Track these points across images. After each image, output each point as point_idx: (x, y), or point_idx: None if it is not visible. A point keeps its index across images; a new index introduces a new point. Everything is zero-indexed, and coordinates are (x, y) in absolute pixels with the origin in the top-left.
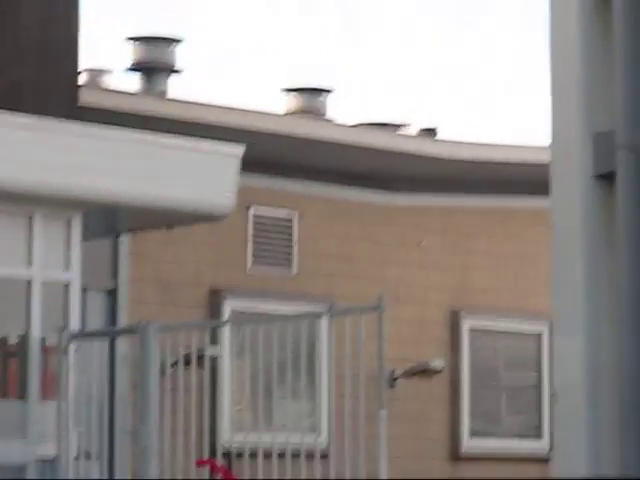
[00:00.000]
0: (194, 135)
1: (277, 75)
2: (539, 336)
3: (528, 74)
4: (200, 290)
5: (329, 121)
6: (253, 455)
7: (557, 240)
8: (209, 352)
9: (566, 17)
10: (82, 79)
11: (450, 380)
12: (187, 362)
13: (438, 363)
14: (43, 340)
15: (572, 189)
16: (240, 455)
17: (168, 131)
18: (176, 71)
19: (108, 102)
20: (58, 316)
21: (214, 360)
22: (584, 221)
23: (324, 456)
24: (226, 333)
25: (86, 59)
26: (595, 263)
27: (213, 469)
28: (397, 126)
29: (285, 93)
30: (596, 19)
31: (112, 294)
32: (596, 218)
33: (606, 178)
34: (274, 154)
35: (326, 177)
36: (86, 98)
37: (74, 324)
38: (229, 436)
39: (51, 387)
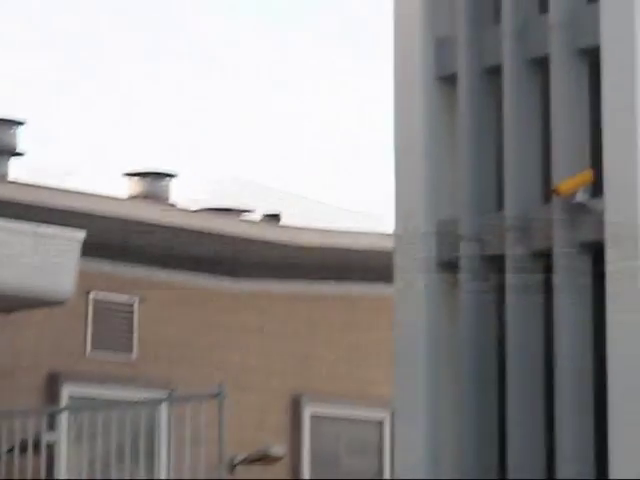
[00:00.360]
0: (35, 219)
1: (120, 159)
2: (381, 423)
3: (373, 160)
4: (38, 375)
5: (172, 206)
6: None
7: (400, 328)
8: (46, 438)
9: (410, 103)
10: None
11: (291, 466)
12: (23, 449)
13: (278, 449)
14: None
15: (416, 277)
16: None
17: (8, 214)
18: (18, 153)
19: None
20: None
21: (51, 446)
22: (427, 309)
23: None
24: (64, 419)
25: None
26: (437, 351)
27: None
28: (240, 211)
29: (127, 177)
30: (441, 107)
31: None
32: (439, 307)
33: (450, 266)
34: (116, 238)
35: (168, 262)
36: None
37: None
38: None
39: None
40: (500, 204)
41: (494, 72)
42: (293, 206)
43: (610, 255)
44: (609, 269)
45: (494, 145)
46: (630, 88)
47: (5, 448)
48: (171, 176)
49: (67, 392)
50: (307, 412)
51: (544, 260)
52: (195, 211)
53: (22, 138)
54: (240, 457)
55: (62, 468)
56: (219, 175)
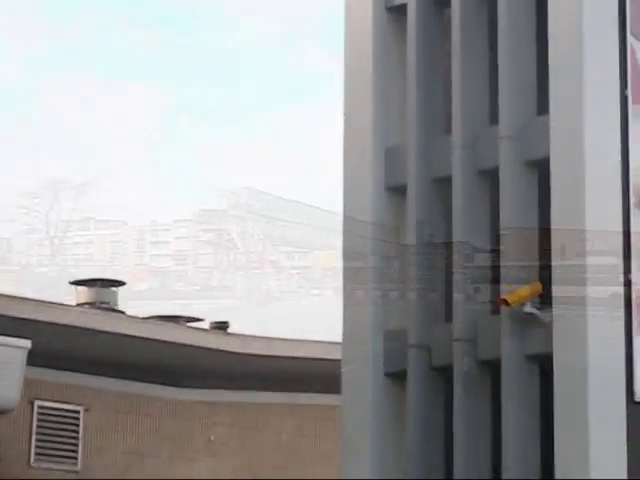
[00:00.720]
0: None
1: (69, 266)
2: None
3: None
4: None
5: (120, 313)
6: None
7: (346, 436)
8: None
9: (360, 212)
10: None
11: None
12: None
13: None
14: None
15: (363, 387)
16: None
17: None
18: None
19: None
20: None
21: None
22: (374, 418)
23: None
24: None
25: None
26: (383, 459)
27: None
28: (189, 319)
29: (75, 285)
30: (390, 216)
31: None
32: (387, 416)
33: (397, 376)
34: (62, 347)
35: (115, 370)
36: None
37: None
38: None
39: None
40: (449, 315)
41: (444, 182)
42: (241, 315)
43: (557, 365)
44: (557, 378)
45: (444, 254)
46: (579, 199)
47: None
48: (120, 284)
49: None
50: None
51: (492, 370)
52: (143, 319)
53: None
54: None
55: None
56: (232, 185)
